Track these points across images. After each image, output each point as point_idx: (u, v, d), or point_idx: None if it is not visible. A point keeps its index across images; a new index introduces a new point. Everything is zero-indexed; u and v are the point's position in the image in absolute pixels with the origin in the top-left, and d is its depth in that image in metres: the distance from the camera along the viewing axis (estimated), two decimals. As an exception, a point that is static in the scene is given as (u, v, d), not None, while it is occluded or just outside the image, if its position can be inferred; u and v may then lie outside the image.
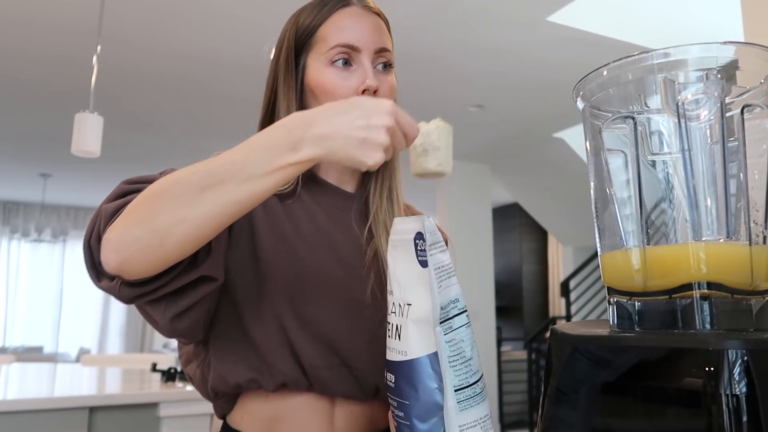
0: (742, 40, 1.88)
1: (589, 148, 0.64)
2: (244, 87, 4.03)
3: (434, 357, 0.60)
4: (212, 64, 3.66)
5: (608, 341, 0.56)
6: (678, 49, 0.54)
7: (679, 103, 0.53)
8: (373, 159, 0.60)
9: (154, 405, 2.28)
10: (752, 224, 0.55)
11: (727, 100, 0.54)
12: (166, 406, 2.28)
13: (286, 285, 0.78)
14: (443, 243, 0.63)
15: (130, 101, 4.29)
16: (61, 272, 8.52)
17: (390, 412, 0.66)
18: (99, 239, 0.66)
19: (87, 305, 8.60)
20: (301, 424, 0.79)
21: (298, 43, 0.84)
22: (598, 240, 0.64)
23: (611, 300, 0.61)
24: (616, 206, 0.60)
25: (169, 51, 3.48)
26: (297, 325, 0.77)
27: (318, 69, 0.81)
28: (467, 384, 0.62)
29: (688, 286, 0.54)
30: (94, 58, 2.97)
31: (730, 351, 0.46)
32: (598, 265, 0.64)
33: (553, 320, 7.61)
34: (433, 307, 0.60)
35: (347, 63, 0.81)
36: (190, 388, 2.38)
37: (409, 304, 0.62)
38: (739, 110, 0.55)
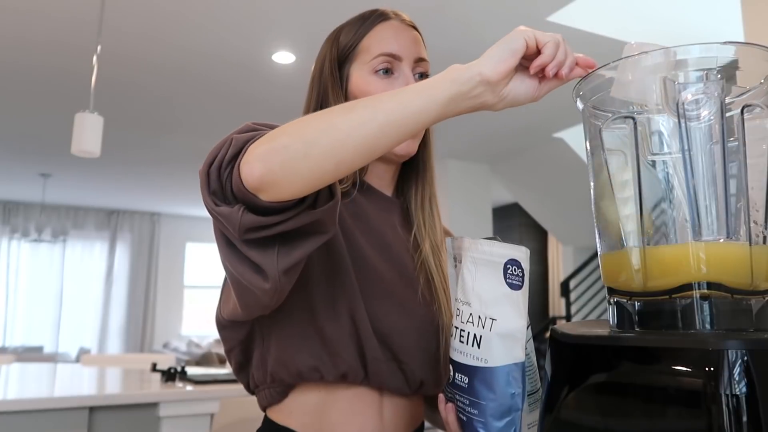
0: (742, 40, 1.88)
1: (589, 148, 0.64)
2: (245, 87, 4.04)
3: (514, 367, 0.68)
4: (212, 64, 3.66)
5: (608, 341, 0.56)
6: (678, 49, 0.54)
7: (679, 103, 0.53)
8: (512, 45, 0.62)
9: (154, 405, 2.28)
10: (752, 224, 0.55)
11: (727, 100, 0.54)
12: (166, 406, 2.28)
13: (356, 278, 0.81)
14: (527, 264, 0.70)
15: (130, 101, 4.29)
16: (61, 272, 8.52)
17: (449, 404, 0.74)
18: (221, 165, 0.64)
19: (87, 305, 8.60)
20: (353, 415, 0.82)
21: (341, 55, 0.89)
22: (598, 240, 0.64)
23: (611, 300, 0.61)
24: (616, 206, 0.60)
25: (170, 51, 3.48)
26: (366, 319, 0.80)
27: (362, 77, 0.87)
28: (535, 390, 0.75)
29: (688, 286, 0.54)
30: (95, 59, 2.97)
31: (730, 351, 0.46)
32: (598, 265, 0.65)
33: (553, 320, 7.61)
34: (525, 326, 0.69)
35: (389, 71, 0.86)
36: (190, 387, 2.38)
37: (494, 319, 0.69)
38: (739, 110, 0.55)
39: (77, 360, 7.81)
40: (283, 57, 3.57)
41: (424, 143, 0.95)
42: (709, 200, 0.52)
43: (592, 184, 0.64)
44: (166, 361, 3.21)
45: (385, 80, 0.86)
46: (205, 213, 0.78)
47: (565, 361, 0.59)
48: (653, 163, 0.57)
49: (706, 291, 0.53)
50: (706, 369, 0.46)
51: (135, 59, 3.58)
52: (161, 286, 8.95)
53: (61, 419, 2.10)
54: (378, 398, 0.83)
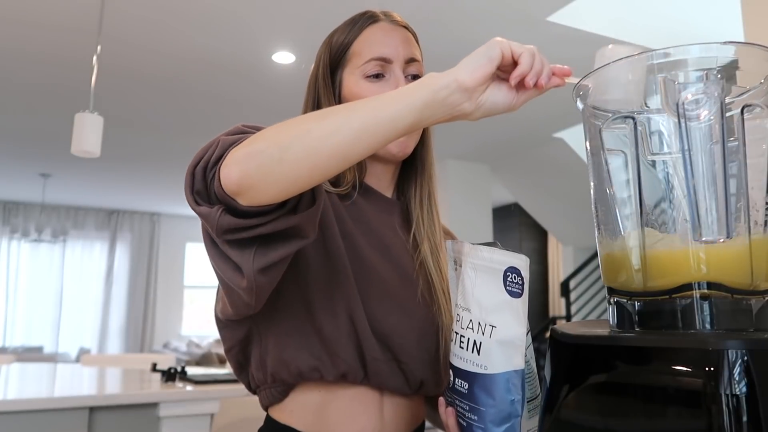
0: (742, 40, 1.88)
1: (589, 148, 0.64)
2: (245, 87, 4.04)
3: (514, 374, 0.69)
4: (212, 64, 3.66)
5: (608, 341, 0.56)
6: (678, 49, 0.54)
7: (679, 103, 0.53)
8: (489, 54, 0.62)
9: (154, 405, 2.28)
10: (752, 224, 0.55)
11: (727, 100, 0.54)
12: (166, 406, 2.28)
13: (354, 279, 0.82)
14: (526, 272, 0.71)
15: (130, 101, 4.29)
16: (61, 272, 8.52)
17: (449, 408, 0.75)
18: (206, 166, 0.66)
19: (87, 305, 8.60)
20: (354, 415, 0.82)
21: (333, 60, 0.90)
22: (597, 240, 0.64)
23: (611, 300, 0.61)
24: (616, 206, 0.60)
25: (170, 51, 3.48)
26: (364, 319, 0.81)
27: (354, 82, 0.87)
28: (534, 396, 0.76)
29: (688, 286, 0.54)
30: (94, 58, 2.97)
31: (730, 351, 0.46)
32: (598, 265, 0.65)
33: (553, 320, 7.61)
34: (524, 334, 0.69)
35: (381, 75, 0.87)
36: (190, 387, 2.38)
37: (494, 326, 0.69)
38: (739, 110, 0.55)
39: (77, 360, 7.82)
40: (283, 57, 3.57)
41: (423, 143, 0.95)
42: (709, 200, 0.52)
43: (592, 184, 0.64)
44: (166, 361, 3.21)
45: (376, 84, 0.86)
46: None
47: (565, 361, 0.59)
48: (653, 163, 0.57)
49: (706, 291, 0.53)
50: (706, 369, 0.46)
51: (135, 59, 3.58)
52: (161, 287, 8.95)
53: (61, 419, 2.10)
54: (378, 398, 0.84)
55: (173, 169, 6.44)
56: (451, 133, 4.94)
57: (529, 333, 0.76)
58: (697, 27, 3.56)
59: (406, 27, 0.92)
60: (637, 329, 0.57)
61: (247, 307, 0.75)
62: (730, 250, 0.54)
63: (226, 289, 0.74)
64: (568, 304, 6.56)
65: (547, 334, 0.68)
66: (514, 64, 0.64)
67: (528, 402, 0.73)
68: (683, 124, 0.53)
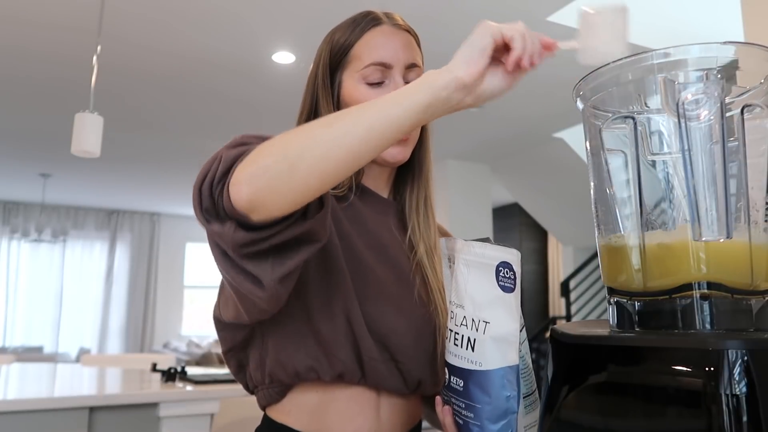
0: (742, 40, 1.88)
1: (589, 148, 0.64)
2: (245, 87, 4.04)
3: (509, 370, 0.68)
4: (212, 63, 3.66)
5: (608, 341, 0.56)
6: (678, 49, 0.55)
7: (679, 103, 0.53)
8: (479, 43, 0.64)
9: (154, 405, 2.28)
10: (752, 224, 0.55)
11: (727, 100, 0.54)
12: (166, 406, 2.28)
13: (351, 280, 0.82)
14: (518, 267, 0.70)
15: (130, 101, 4.29)
16: (61, 272, 8.52)
17: (446, 406, 0.74)
18: (212, 183, 0.65)
19: (87, 305, 8.59)
20: (351, 416, 0.82)
21: (333, 61, 0.89)
22: (597, 240, 0.64)
23: (611, 300, 0.61)
24: (616, 206, 0.60)
25: (170, 51, 3.48)
26: (361, 320, 0.81)
27: (353, 86, 0.87)
28: (531, 392, 0.75)
29: (688, 286, 0.54)
30: (94, 58, 2.97)
31: (730, 351, 0.46)
32: (598, 265, 0.65)
33: (553, 320, 7.61)
34: (518, 329, 0.68)
35: (380, 81, 0.86)
36: (190, 387, 2.38)
37: (487, 322, 0.69)
38: (739, 110, 0.55)
39: (77, 360, 7.82)
40: (283, 57, 3.57)
41: (421, 144, 0.94)
42: (709, 200, 0.52)
43: (592, 184, 0.64)
44: (166, 361, 3.21)
45: (376, 89, 0.86)
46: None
47: (565, 361, 0.59)
48: (653, 163, 0.57)
49: (706, 291, 0.53)
50: (706, 369, 0.46)
51: (135, 58, 3.58)
52: (161, 287, 8.94)
53: (61, 419, 2.10)
54: (375, 398, 0.84)
55: (173, 169, 6.44)
56: (451, 133, 4.94)
57: (524, 328, 0.75)
58: (697, 27, 3.56)
59: (408, 30, 0.91)
60: (637, 329, 0.57)
61: (263, 313, 0.75)
62: (730, 250, 0.54)
63: (239, 298, 0.73)
64: (568, 304, 6.56)
65: (547, 334, 0.68)
66: (506, 46, 0.65)
67: (524, 398, 0.72)
68: (683, 124, 0.53)
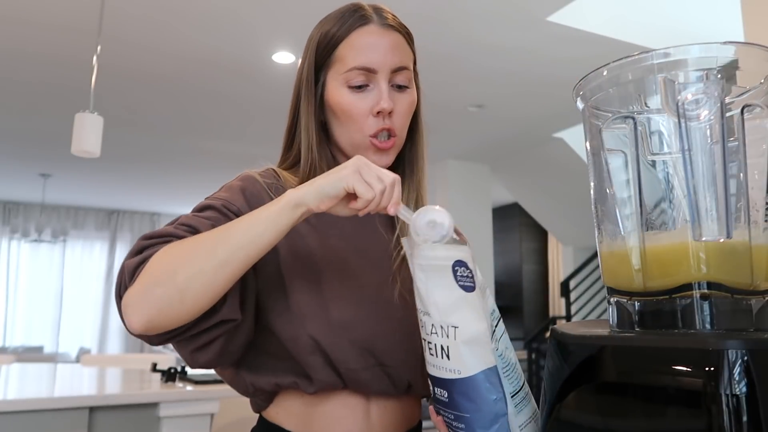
0: (742, 40, 1.88)
1: (589, 148, 0.64)
2: (245, 87, 4.04)
3: (489, 372, 0.65)
4: (212, 64, 3.66)
5: (608, 341, 0.56)
6: (678, 49, 0.54)
7: (679, 103, 0.53)
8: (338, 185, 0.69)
9: (154, 405, 2.28)
10: (752, 224, 0.55)
11: (727, 100, 0.54)
12: (166, 406, 2.28)
13: (313, 298, 0.80)
14: (473, 263, 0.67)
15: (130, 101, 4.29)
16: (61, 272, 8.52)
17: (439, 417, 0.72)
18: (119, 295, 0.71)
19: (87, 305, 8.60)
20: (339, 419, 0.82)
21: (318, 58, 0.87)
22: (597, 240, 0.64)
23: (611, 300, 0.61)
24: (616, 206, 0.60)
25: (170, 51, 3.48)
26: (330, 334, 0.79)
27: (336, 88, 0.85)
28: (518, 388, 0.70)
29: (688, 286, 0.54)
30: (94, 58, 2.97)
31: (730, 351, 0.46)
32: (598, 265, 0.65)
33: (553, 320, 7.61)
34: (487, 328, 0.66)
35: (363, 85, 0.83)
36: (190, 387, 2.38)
37: (455, 327, 0.66)
38: (739, 110, 0.55)
39: (77, 360, 7.81)
40: (283, 57, 3.57)
41: (411, 145, 0.91)
42: (709, 200, 0.52)
43: (592, 184, 0.64)
44: (166, 361, 3.21)
45: (358, 94, 0.83)
46: (205, 213, 0.80)
47: (565, 361, 0.59)
48: (653, 163, 0.57)
49: (706, 291, 0.53)
50: (706, 369, 0.46)
51: (135, 58, 3.58)
52: (161, 286, 8.94)
53: (61, 419, 2.10)
54: (364, 401, 0.83)
55: (173, 169, 6.44)
56: (451, 133, 4.94)
57: (500, 320, 0.71)
58: (697, 27, 3.56)
59: (398, 29, 0.86)
60: (637, 329, 0.57)
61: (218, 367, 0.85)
62: (730, 250, 0.54)
63: None
64: (568, 304, 6.56)
65: (547, 334, 0.67)
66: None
67: (512, 396, 0.68)
68: (683, 124, 0.53)
